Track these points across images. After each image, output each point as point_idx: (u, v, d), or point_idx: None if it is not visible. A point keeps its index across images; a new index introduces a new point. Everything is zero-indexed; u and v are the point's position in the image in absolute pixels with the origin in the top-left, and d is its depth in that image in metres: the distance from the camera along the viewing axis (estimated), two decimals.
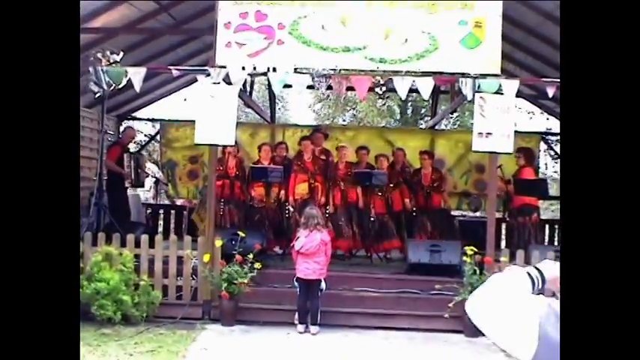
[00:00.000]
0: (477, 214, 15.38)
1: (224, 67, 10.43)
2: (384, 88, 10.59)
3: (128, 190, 14.32)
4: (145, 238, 10.72)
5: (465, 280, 10.11)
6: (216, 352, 9.13)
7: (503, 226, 14.73)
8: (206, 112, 10.34)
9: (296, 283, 10.22)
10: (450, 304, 9.98)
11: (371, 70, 10.50)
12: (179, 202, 16.49)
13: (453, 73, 10.57)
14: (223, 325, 10.33)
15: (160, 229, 15.99)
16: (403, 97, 12.50)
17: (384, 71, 10.50)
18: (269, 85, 12.50)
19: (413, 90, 10.73)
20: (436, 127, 17.69)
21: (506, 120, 10.29)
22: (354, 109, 30.99)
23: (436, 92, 16.06)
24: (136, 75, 10.47)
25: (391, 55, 10.42)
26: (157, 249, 10.74)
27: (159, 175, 15.74)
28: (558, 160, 17.50)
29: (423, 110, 28.48)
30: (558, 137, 16.80)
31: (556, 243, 15.23)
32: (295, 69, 10.49)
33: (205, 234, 10.82)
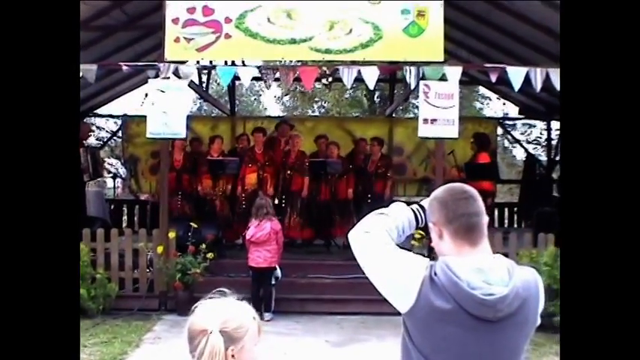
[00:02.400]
0: None
1: (173, 62, 10.61)
2: (330, 79, 10.79)
3: (91, 186, 14.48)
4: (100, 231, 10.90)
5: None
6: (170, 340, 9.32)
7: None
8: (157, 106, 10.52)
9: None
10: None
11: (316, 61, 10.71)
12: (142, 196, 16.64)
13: (397, 62, 10.80)
14: (179, 315, 10.50)
15: (125, 224, 16.19)
16: (348, 87, 12.77)
17: (329, 61, 10.71)
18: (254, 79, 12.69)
19: (358, 79, 10.92)
20: (394, 115, 17.90)
21: (450, 106, 10.53)
22: (322, 100, 31.16)
23: (392, 80, 16.33)
24: (88, 72, 10.61)
25: (336, 45, 10.62)
26: (113, 242, 10.93)
27: (117, 170, 15.89)
28: (516, 144, 17.83)
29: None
30: (514, 122, 17.16)
31: (509, 225, 15.54)
32: (242, 62, 10.68)
33: (160, 226, 11.01)
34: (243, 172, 12.98)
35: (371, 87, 11.90)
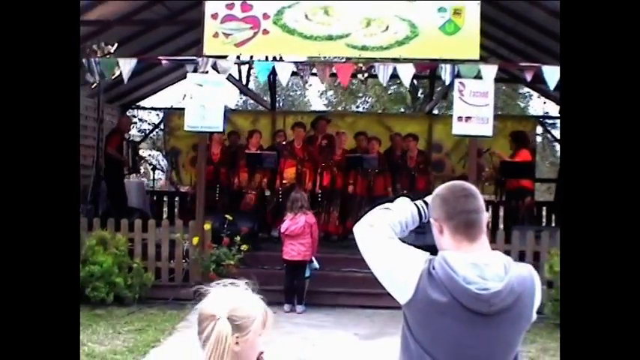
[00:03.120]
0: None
1: (212, 56, 10.80)
2: (366, 75, 10.89)
3: (132, 177, 14.76)
4: (138, 222, 11.13)
5: None
6: None
7: (501, 208, 14.96)
8: (195, 100, 10.73)
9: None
10: None
11: (351, 58, 10.82)
12: (183, 188, 16.87)
13: (433, 59, 10.88)
14: None
15: (165, 215, 16.43)
16: (384, 84, 12.83)
17: (366, 58, 10.82)
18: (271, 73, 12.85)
19: (394, 76, 11.00)
20: (434, 112, 17.93)
21: (485, 104, 10.57)
22: (365, 96, 31.26)
23: (431, 77, 16.36)
24: (126, 65, 10.86)
25: (373, 42, 10.71)
26: (150, 233, 11.15)
27: (158, 162, 16.13)
28: (555, 142, 17.72)
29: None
30: (554, 121, 17.06)
31: (552, 224, 15.46)
32: (280, 57, 10.83)
33: (196, 218, 11.21)
34: (282, 167, 13.15)
35: (406, 84, 11.99)
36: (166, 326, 9.53)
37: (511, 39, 14.63)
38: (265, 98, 35.35)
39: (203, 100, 10.67)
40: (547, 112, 18.84)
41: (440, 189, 3.04)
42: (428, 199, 3.14)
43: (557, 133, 17.12)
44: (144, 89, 16.83)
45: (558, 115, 17.90)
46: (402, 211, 3.12)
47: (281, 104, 35.45)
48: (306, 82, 17.27)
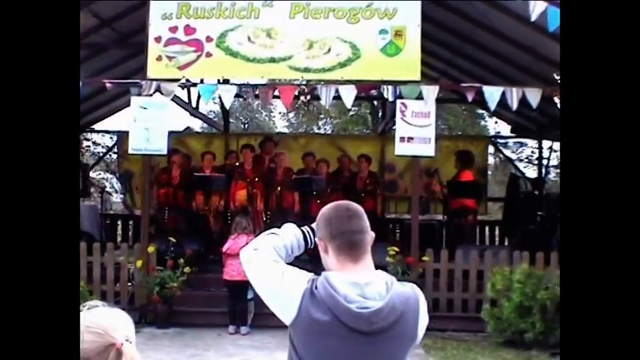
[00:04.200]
0: (425, 216, 15.78)
1: (156, 79, 10.84)
2: (308, 97, 10.98)
3: (85, 202, 14.72)
4: (83, 245, 11.09)
5: None
6: (145, 353, 9.49)
7: (444, 227, 15.07)
8: (139, 123, 10.75)
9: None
10: None
11: (294, 80, 10.92)
12: (137, 212, 16.83)
13: (375, 81, 10.99)
14: (158, 327, 10.71)
15: (120, 238, 16.36)
16: (327, 106, 12.88)
17: (308, 81, 10.91)
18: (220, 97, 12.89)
19: (336, 97, 11.09)
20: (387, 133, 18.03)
21: (427, 124, 10.69)
22: (327, 117, 31.42)
23: (379, 98, 16.49)
24: None
25: (315, 64, 10.81)
26: (95, 256, 11.13)
27: (108, 185, 16.09)
28: (507, 162, 17.91)
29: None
30: (506, 141, 17.27)
31: (495, 243, 15.61)
32: (224, 80, 10.89)
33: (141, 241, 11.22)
34: (233, 189, 13.16)
35: (348, 106, 12.10)
36: None
37: (460, 60, 14.82)
38: (231, 120, 35.89)
39: (147, 123, 10.70)
40: (499, 132, 19.04)
41: (325, 209, 3.07)
42: (315, 225, 3.17)
43: (508, 152, 17.40)
44: (97, 112, 16.81)
45: (510, 135, 18.21)
46: (287, 236, 3.14)
47: (246, 127, 35.60)
48: (249, 105, 17.12)
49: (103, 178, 19.41)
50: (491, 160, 18.19)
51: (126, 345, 2.67)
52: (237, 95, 11.65)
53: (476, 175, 14.75)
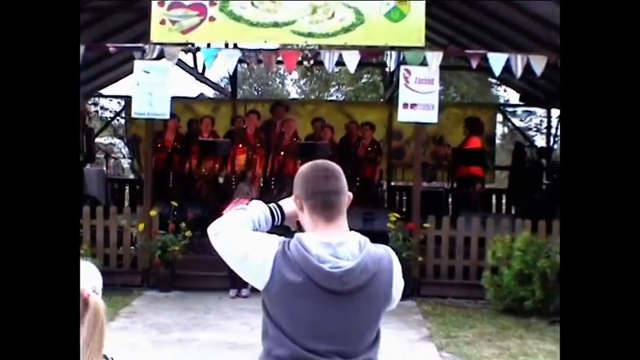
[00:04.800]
0: (433, 184, 15.78)
1: (159, 44, 10.82)
2: (312, 62, 10.94)
3: (90, 166, 14.78)
4: (86, 209, 11.16)
5: (389, 246, 10.47)
6: (145, 315, 9.59)
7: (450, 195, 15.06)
8: (142, 87, 10.76)
9: None
10: None
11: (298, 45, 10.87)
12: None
13: (379, 46, 10.93)
14: (160, 291, 10.79)
15: (127, 203, 16.43)
16: (330, 70, 12.84)
17: (315, 46, 10.88)
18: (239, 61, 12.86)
19: (339, 63, 11.05)
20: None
21: (430, 91, 10.65)
22: (339, 84, 31.32)
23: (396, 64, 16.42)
24: None
25: (319, 29, 10.75)
26: (98, 220, 11.19)
27: (119, 150, 16.13)
28: (514, 130, 17.82)
29: None
30: (514, 109, 17.18)
31: (502, 211, 15.57)
32: (226, 44, 10.85)
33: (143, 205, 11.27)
34: (233, 153, 13.17)
35: (351, 71, 12.02)
36: (108, 312, 9.46)
37: (468, 27, 14.70)
38: (244, 87, 35.99)
39: (150, 87, 10.71)
40: (507, 100, 18.94)
41: (303, 167, 3.06)
42: (282, 202, 3.16)
43: (516, 120, 17.30)
44: (105, 77, 16.82)
45: (518, 103, 18.10)
46: (255, 211, 3.14)
47: (259, 93, 35.63)
48: (253, 69, 17.05)
49: (111, 143, 19.47)
50: (500, 128, 18.09)
51: (92, 296, 2.70)
52: (240, 60, 11.58)
53: (483, 143, 14.71)
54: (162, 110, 10.80)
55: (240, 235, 2.97)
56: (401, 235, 10.54)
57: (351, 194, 3.04)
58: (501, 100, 24.79)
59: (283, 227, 3.20)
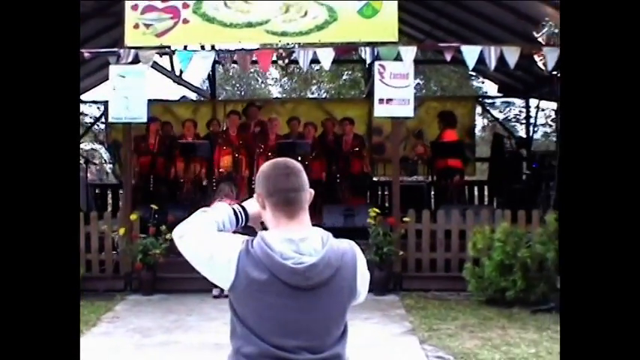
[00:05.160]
0: (414, 178, 15.81)
1: (133, 47, 10.82)
2: (286, 60, 10.97)
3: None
4: None
5: (370, 241, 10.55)
6: (127, 319, 9.59)
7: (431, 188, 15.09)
8: (118, 91, 10.77)
9: None
10: None
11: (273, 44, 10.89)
12: None
13: (353, 43, 10.97)
14: (143, 294, 10.79)
15: (110, 208, 16.42)
16: (305, 68, 12.85)
17: (288, 45, 10.91)
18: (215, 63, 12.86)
19: (314, 61, 11.08)
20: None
21: (405, 85, 10.69)
22: (319, 82, 31.32)
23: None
24: None
25: (292, 28, 10.78)
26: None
27: (100, 155, 16.08)
28: (494, 121, 17.90)
29: None
30: (494, 100, 17.23)
31: (484, 203, 15.62)
32: (202, 47, 10.86)
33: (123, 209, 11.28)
34: (217, 155, 13.19)
35: (326, 67, 12.11)
36: (91, 317, 9.56)
37: (443, 21, 14.74)
38: (227, 88, 35.96)
39: (126, 91, 10.72)
40: (485, 92, 19.03)
41: (264, 166, 3.10)
42: (245, 203, 3.20)
43: (495, 112, 17.36)
44: (84, 82, 16.73)
45: (496, 95, 18.17)
46: (218, 213, 3.17)
47: (242, 94, 35.58)
48: (227, 70, 16.99)
49: (92, 149, 19.45)
50: (479, 120, 18.18)
51: None
52: (217, 62, 11.60)
53: (463, 136, 14.78)
54: (139, 114, 10.80)
55: (205, 236, 3.01)
56: (381, 230, 10.56)
57: (312, 191, 3.08)
58: (483, 93, 24.94)
59: (248, 228, 3.24)
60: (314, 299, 2.89)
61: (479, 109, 17.57)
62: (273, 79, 33.85)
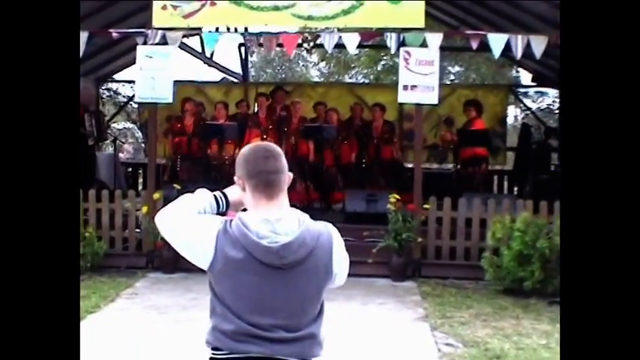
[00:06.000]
0: (442, 166, 15.81)
1: (160, 29, 10.93)
2: (312, 44, 10.99)
3: (104, 150, 14.96)
4: (91, 192, 11.32)
5: (389, 227, 10.57)
6: (146, 296, 9.73)
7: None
8: (145, 72, 10.87)
9: None
10: (374, 250, 10.44)
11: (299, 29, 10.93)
12: (161, 160, 17.04)
13: (379, 28, 10.97)
14: (164, 272, 10.92)
15: (141, 187, 16.59)
16: (330, 52, 12.87)
17: (313, 29, 10.94)
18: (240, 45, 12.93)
19: (339, 45, 11.10)
20: None
21: (430, 72, 10.65)
22: (359, 66, 31.23)
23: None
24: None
25: (318, 12, 10.79)
26: (104, 203, 11.35)
27: (132, 134, 16.25)
28: (527, 111, 17.75)
29: None
30: (527, 89, 17.07)
31: (513, 192, 15.52)
32: (227, 28, 10.93)
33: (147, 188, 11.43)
34: (247, 137, 13.26)
35: (352, 52, 12.10)
36: (110, 293, 9.73)
37: (478, 8, 14.61)
38: (268, 70, 36.08)
39: (152, 72, 10.82)
40: (519, 81, 18.88)
41: (245, 149, 3.21)
42: (227, 190, 3.27)
43: (528, 101, 17.22)
44: (117, 62, 16.94)
45: (530, 84, 18.00)
46: (200, 199, 3.25)
47: (283, 76, 35.71)
48: (253, 53, 16.96)
49: (125, 128, 19.67)
50: (512, 110, 18.04)
51: None
52: (243, 45, 11.68)
53: (494, 124, 14.69)
54: (164, 94, 10.91)
55: (185, 219, 3.10)
56: (400, 216, 10.56)
57: (291, 174, 3.17)
58: (522, 81, 24.73)
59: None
60: (289, 278, 2.98)
61: (512, 98, 17.42)
62: (312, 63, 33.85)
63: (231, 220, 3.03)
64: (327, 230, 3.13)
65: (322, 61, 31.91)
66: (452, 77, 28.28)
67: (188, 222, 3.08)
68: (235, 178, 3.17)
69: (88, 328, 8.12)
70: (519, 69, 18.65)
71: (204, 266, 3.04)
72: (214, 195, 3.25)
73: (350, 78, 31.36)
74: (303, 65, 37.62)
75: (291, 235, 2.97)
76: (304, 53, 29.90)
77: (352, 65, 31.16)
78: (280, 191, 3.11)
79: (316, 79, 32.94)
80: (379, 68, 29.77)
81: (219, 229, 2.99)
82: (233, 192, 3.25)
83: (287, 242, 2.95)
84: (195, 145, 13.54)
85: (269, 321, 2.98)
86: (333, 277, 3.13)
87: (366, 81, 29.51)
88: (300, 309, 3.05)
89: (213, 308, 3.08)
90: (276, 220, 3.00)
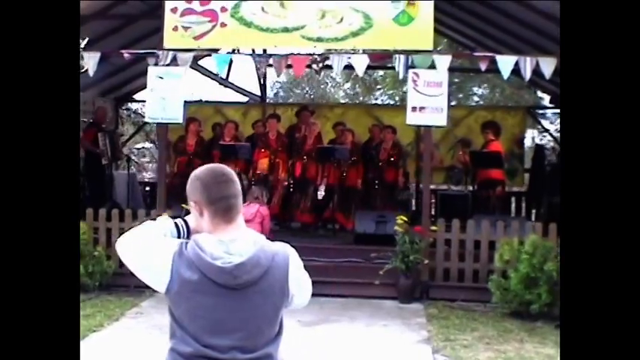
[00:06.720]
0: (460, 187, 15.74)
1: (171, 50, 11.04)
2: (320, 65, 11.05)
3: (119, 170, 15.09)
4: (102, 212, 11.40)
5: (397, 249, 10.53)
6: (151, 316, 9.75)
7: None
8: (155, 92, 10.99)
9: None
10: (381, 272, 10.41)
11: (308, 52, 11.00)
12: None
13: (387, 50, 11.00)
14: None
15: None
16: (338, 74, 12.93)
17: (321, 51, 11.00)
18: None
19: (348, 67, 11.14)
20: None
21: (439, 94, 10.65)
22: (382, 87, 31.30)
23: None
24: (91, 59, 11.11)
25: (328, 34, 10.84)
26: (113, 222, 11.42)
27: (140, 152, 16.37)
28: (545, 132, 17.65)
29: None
30: (545, 111, 16.97)
31: (524, 214, 15.41)
32: (237, 50, 11.02)
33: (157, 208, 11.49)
34: (256, 157, 13.36)
35: (360, 74, 12.13)
36: (115, 312, 9.78)
37: (492, 30, 14.61)
38: (297, 91, 36.23)
39: (163, 93, 10.93)
40: (537, 103, 18.79)
41: (201, 173, 3.18)
42: (188, 217, 3.28)
43: (546, 123, 17.11)
44: (137, 82, 17.10)
45: (547, 105, 17.90)
46: (160, 226, 3.25)
47: (312, 97, 35.86)
48: (263, 74, 16.93)
49: (144, 147, 19.82)
50: (530, 131, 17.93)
51: None
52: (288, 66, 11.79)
53: (512, 146, 14.63)
54: (175, 115, 11.00)
55: (143, 243, 3.10)
56: (408, 238, 10.52)
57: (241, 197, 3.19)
58: (544, 102, 24.57)
59: None
60: (244, 299, 2.99)
61: (530, 120, 17.34)
62: (338, 83, 33.98)
63: (186, 243, 3.04)
64: (284, 250, 3.14)
65: (347, 82, 31.98)
66: (476, 99, 28.22)
67: (146, 246, 3.08)
68: (191, 204, 3.16)
69: (89, 346, 8.16)
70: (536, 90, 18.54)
71: (162, 289, 3.04)
72: (175, 222, 3.26)
73: (375, 99, 31.42)
74: (331, 86, 37.73)
75: (245, 255, 2.98)
76: (333, 74, 30.19)
77: (377, 87, 31.25)
78: (238, 213, 3.13)
79: (342, 101, 32.99)
80: (404, 89, 29.78)
81: (175, 252, 3.01)
82: (193, 219, 3.25)
83: (240, 262, 2.96)
84: (198, 164, 13.59)
85: (225, 342, 2.99)
86: (290, 297, 3.14)
87: (391, 102, 29.53)
88: (256, 329, 3.05)
89: (173, 332, 3.08)
90: (230, 241, 3.02)
